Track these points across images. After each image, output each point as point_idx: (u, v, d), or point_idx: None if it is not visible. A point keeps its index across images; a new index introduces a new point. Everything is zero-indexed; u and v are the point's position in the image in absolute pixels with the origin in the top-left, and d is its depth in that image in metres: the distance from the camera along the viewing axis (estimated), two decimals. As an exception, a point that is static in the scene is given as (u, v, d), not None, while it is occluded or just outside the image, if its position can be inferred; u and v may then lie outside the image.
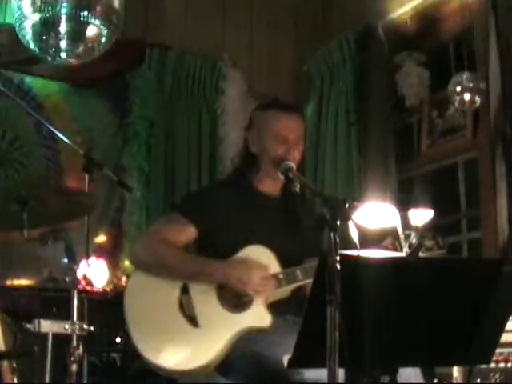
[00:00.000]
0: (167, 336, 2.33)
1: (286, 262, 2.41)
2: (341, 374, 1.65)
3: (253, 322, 2.34)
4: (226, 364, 2.30)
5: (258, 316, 2.35)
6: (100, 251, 4.64)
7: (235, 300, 2.38)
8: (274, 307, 2.38)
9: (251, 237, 2.43)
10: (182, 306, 2.37)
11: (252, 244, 2.43)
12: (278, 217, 2.55)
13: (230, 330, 2.32)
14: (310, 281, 2.23)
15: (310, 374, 2.03)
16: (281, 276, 2.38)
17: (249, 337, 2.31)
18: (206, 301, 2.37)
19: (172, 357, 2.30)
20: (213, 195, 2.58)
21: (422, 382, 2.19)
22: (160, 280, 2.42)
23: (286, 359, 1.79)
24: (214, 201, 2.52)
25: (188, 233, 2.49)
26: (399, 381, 1.84)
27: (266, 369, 2.19)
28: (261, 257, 2.41)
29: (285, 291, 2.40)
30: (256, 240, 2.42)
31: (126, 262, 4.58)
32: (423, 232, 2.45)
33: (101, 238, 4.81)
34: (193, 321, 2.34)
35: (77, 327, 2.53)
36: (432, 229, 2.57)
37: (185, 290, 2.40)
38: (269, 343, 2.24)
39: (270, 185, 2.57)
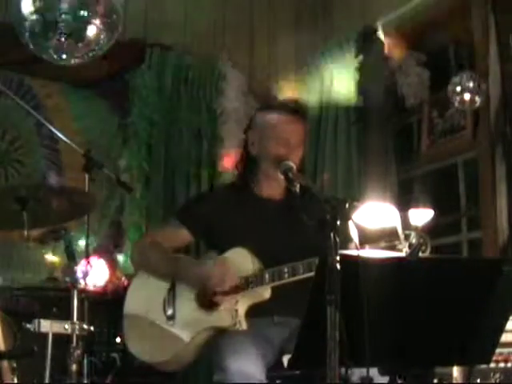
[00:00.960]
0: (148, 331, 2.47)
1: (284, 262, 2.41)
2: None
3: (215, 322, 2.40)
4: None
5: (221, 316, 2.40)
6: (100, 251, 4.63)
7: (209, 300, 2.43)
8: (259, 308, 2.41)
9: (248, 241, 2.44)
10: (164, 305, 2.48)
11: (243, 246, 2.45)
12: (277, 220, 2.55)
13: (195, 327, 2.41)
14: (279, 283, 2.36)
15: None
16: (251, 278, 2.42)
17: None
18: (185, 298, 2.46)
19: (146, 350, 2.46)
20: (210, 200, 2.62)
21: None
22: (156, 278, 2.54)
23: (285, 359, 1.79)
24: (210, 205, 2.57)
25: (180, 236, 2.59)
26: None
27: None
28: (237, 258, 2.46)
29: (262, 293, 2.42)
30: (253, 244, 2.44)
31: (125, 261, 4.58)
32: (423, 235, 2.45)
33: (101, 238, 4.81)
34: (171, 317, 2.45)
35: (77, 327, 2.53)
36: (433, 231, 2.56)
37: (172, 287, 2.51)
38: (243, 343, 2.27)
39: (269, 187, 2.57)
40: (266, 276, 2.40)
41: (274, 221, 2.55)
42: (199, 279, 2.43)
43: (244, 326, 2.36)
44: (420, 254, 2.39)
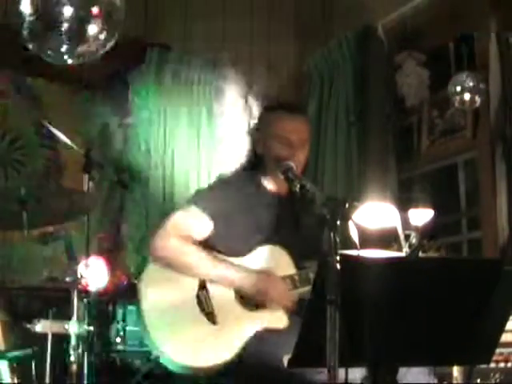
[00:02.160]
0: (187, 333, 2.29)
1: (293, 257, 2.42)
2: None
3: (271, 323, 2.34)
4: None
5: (275, 316, 2.35)
6: (100, 251, 4.63)
7: (253, 298, 2.38)
8: (297, 307, 2.38)
9: (260, 234, 2.44)
10: (200, 302, 2.35)
11: (262, 241, 2.43)
12: (283, 215, 2.55)
13: (248, 328, 2.32)
14: None
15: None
16: (296, 277, 2.39)
17: (263, 338, 2.30)
18: (223, 298, 2.37)
19: (193, 354, 2.26)
20: (228, 191, 2.55)
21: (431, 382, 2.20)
22: (178, 276, 2.39)
23: (285, 359, 1.79)
24: (229, 197, 2.51)
25: (205, 227, 2.46)
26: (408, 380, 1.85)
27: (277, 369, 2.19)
28: (277, 258, 2.42)
29: (297, 293, 2.40)
30: (265, 238, 2.43)
31: (125, 261, 4.58)
32: (425, 236, 2.45)
33: (101, 238, 4.80)
34: (211, 317, 2.33)
35: (77, 327, 2.53)
36: (433, 231, 2.56)
37: (202, 286, 2.38)
38: (279, 344, 2.23)
39: (276, 184, 2.57)
40: (311, 275, 2.35)
41: (281, 216, 2.54)
42: (255, 292, 2.35)
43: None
44: (420, 254, 2.39)
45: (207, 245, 2.47)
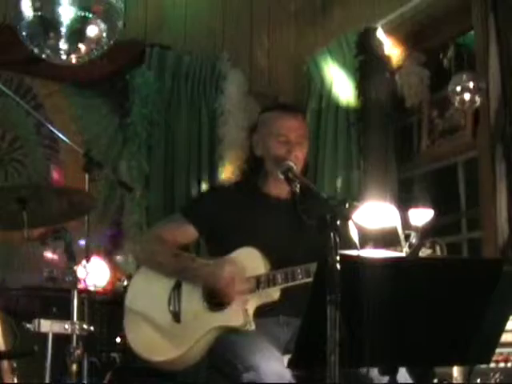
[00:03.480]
0: (151, 328, 2.42)
1: (290, 261, 2.40)
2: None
3: (225, 321, 2.37)
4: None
5: (231, 315, 2.37)
6: (100, 251, 4.63)
7: (218, 300, 2.41)
8: (267, 309, 2.39)
9: (254, 239, 2.43)
10: (169, 302, 2.44)
11: (248, 246, 2.44)
12: (285, 219, 2.54)
13: (203, 327, 2.37)
14: (291, 284, 2.32)
15: None
16: (262, 278, 2.40)
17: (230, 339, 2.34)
18: (191, 298, 2.43)
19: (150, 348, 2.40)
20: (216, 197, 2.59)
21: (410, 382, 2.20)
22: (160, 276, 2.49)
23: (286, 359, 1.79)
24: (217, 202, 2.54)
25: (187, 233, 2.53)
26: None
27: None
28: (247, 258, 2.43)
29: (272, 293, 2.39)
30: (259, 242, 2.42)
31: (125, 261, 4.58)
32: (424, 233, 2.45)
33: (101, 238, 4.80)
34: (176, 316, 2.41)
35: (77, 327, 2.53)
36: (433, 231, 2.56)
37: (178, 285, 2.46)
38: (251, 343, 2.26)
39: (276, 187, 2.56)
40: (279, 277, 2.37)
41: (282, 220, 2.54)
42: (208, 280, 2.39)
43: (253, 326, 2.34)
44: (420, 254, 2.39)
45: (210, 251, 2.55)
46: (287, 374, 2.10)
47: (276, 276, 2.38)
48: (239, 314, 2.35)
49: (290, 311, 2.37)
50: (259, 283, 2.39)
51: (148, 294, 2.49)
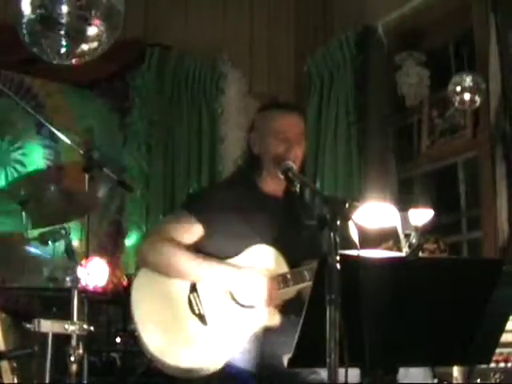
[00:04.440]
0: (178, 335, 2.31)
1: (289, 258, 2.41)
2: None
3: (265, 321, 2.34)
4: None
5: (268, 315, 2.35)
6: (100, 251, 4.63)
7: (243, 297, 2.38)
8: (280, 307, 2.38)
9: (254, 237, 2.43)
10: (191, 304, 2.36)
11: (256, 243, 2.43)
12: (281, 217, 2.54)
13: (242, 327, 2.32)
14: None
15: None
16: (288, 276, 2.39)
17: (255, 336, 2.31)
18: (214, 298, 2.37)
19: (186, 356, 2.27)
20: (220, 195, 2.57)
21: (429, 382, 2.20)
22: (166, 279, 2.40)
23: (285, 359, 1.79)
24: (221, 200, 2.51)
25: (195, 231, 2.48)
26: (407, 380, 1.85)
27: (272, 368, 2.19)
28: (267, 257, 2.41)
29: (292, 291, 2.40)
30: (259, 240, 2.42)
31: (125, 261, 4.59)
32: (425, 233, 2.45)
33: (101, 238, 4.81)
34: (202, 319, 2.34)
35: (77, 327, 2.53)
36: (433, 231, 2.56)
37: (193, 288, 2.39)
38: (275, 343, 2.23)
39: (273, 185, 2.56)
40: (306, 274, 2.36)
41: (280, 218, 2.53)
42: (246, 290, 2.35)
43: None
44: (420, 254, 2.39)
45: (198, 248, 2.48)
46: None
47: (303, 273, 2.37)
48: (275, 313, 2.35)
49: (298, 311, 2.36)
50: (287, 280, 2.38)
51: (162, 299, 2.38)
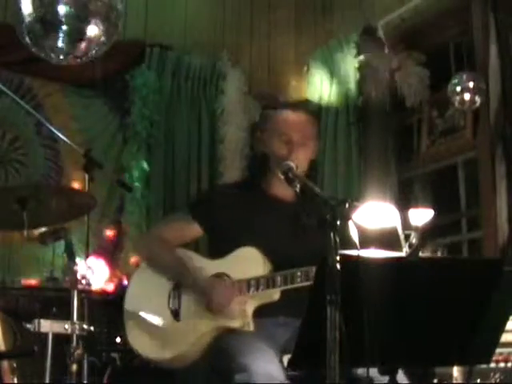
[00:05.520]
0: (150, 327, 2.43)
1: (290, 264, 2.39)
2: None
3: (224, 322, 2.36)
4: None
5: (231, 316, 2.36)
6: (100, 251, 4.64)
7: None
8: (266, 309, 2.38)
9: (256, 239, 2.42)
10: (169, 300, 2.44)
11: (249, 245, 2.43)
12: (286, 220, 2.52)
13: (203, 326, 2.37)
14: (290, 287, 2.31)
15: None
16: (261, 280, 2.38)
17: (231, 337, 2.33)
18: (191, 297, 2.42)
19: (150, 346, 2.41)
20: (220, 195, 2.58)
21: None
22: (159, 275, 2.50)
23: (285, 359, 1.79)
24: (220, 200, 2.52)
25: (190, 230, 2.52)
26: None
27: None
28: (248, 257, 2.43)
29: (271, 294, 2.38)
30: (261, 243, 2.41)
31: (125, 261, 4.59)
32: (425, 238, 2.45)
33: (101, 238, 4.81)
34: (176, 314, 2.42)
35: (77, 327, 2.53)
36: (433, 231, 2.56)
37: (178, 286, 2.46)
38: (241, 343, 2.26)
39: (279, 187, 2.52)
40: (278, 279, 2.35)
41: (285, 221, 2.52)
42: (202, 297, 2.40)
43: (252, 327, 2.34)
44: (420, 254, 2.39)
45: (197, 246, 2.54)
46: (279, 375, 2.10)
47: (275, 278, 2.36)
48: (238, 314, 2.35)
49: (289, 312, 2.36)
50: (259, 284, 2.38)
51: (148, 292, 2.50)
